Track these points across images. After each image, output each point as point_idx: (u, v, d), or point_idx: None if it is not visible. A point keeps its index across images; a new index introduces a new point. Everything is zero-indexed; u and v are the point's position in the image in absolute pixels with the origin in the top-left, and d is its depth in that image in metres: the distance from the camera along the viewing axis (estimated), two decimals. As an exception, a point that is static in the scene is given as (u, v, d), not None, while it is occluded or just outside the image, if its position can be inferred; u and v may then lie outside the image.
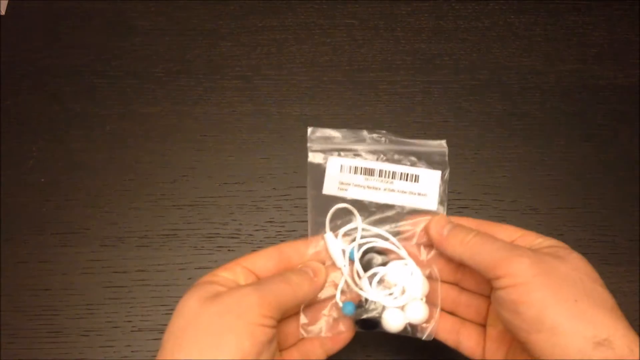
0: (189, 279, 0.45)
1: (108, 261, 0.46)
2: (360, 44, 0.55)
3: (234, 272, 0.33)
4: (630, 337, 0.28)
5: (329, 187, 0.38)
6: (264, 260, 0.35)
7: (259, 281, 0.33)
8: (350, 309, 0.35)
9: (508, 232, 0.35)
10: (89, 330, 0.44)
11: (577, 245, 0.46)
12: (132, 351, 0.43)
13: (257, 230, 0.47)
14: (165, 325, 0.30)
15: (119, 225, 0.47)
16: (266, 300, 0.30)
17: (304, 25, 0.56)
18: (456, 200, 0.48)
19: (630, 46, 0.55)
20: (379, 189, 0.38)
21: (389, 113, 0.52)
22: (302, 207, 0.48)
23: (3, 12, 0.56)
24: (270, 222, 0.47)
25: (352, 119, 0.51)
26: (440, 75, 0.53)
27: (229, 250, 0.46)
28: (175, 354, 0.29)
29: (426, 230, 0.36)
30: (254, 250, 0.36)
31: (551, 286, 0.29)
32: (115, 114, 0.51)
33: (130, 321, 0.44)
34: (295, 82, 0.53)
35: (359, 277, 0.36)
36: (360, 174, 0.38)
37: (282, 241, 0.46)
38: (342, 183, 0.38)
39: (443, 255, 0.36)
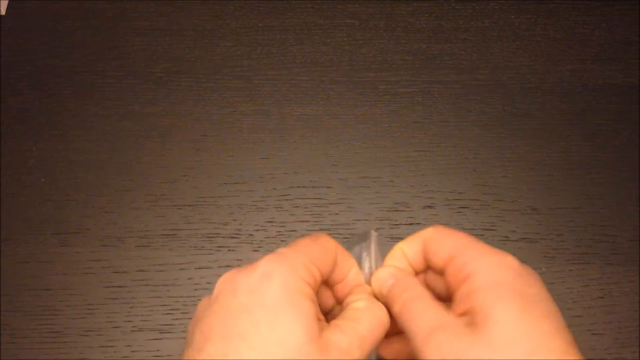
0: (189, 279, 0.45)
1: (108, 261, 0.46)
2: (360, 44, 0.55)
3: (313, 277, 0.30)
4: None
5: None
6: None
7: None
8: None
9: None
10: (89, 330, 0.43)
11: (577, 245, 0.46)
12: (132, 351, 0.43)
13: (257, 230, 0.47)
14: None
15: (119, 225, 0.47)
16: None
17: (304, 25, 0.56)
18: (456, 200, 0.48)
19: (630, 46, 0.55)
20: None
21: (389, 113, 0.52)
22: (302, 207, 0.48)
23: (3, 12, 0.56)
24: (271, 222, 0.47)
25: (352, 119, 0.51)
26: (440, 75, 0.53)
27: (229, 250, 0.46)
28: None
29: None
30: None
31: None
32: (115, 114, 0.51)
33: (130, 321, 0.44)
34: (295, 82, 0.53)
35: None
36: None
37: (283, 242, 0.46)
38: None
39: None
